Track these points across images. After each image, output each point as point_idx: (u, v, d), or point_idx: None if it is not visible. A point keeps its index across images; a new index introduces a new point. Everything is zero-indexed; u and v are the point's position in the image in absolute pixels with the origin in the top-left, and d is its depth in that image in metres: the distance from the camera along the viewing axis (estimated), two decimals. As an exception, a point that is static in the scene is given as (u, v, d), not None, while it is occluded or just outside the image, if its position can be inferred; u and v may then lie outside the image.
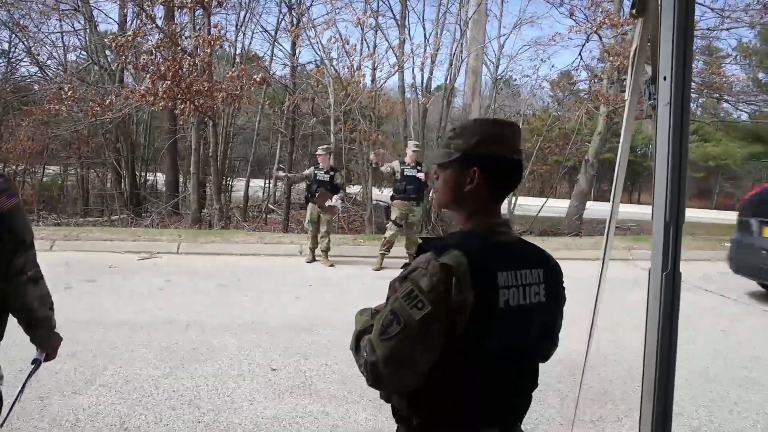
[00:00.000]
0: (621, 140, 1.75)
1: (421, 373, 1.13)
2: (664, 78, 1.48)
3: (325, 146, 7.97)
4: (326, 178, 7.43)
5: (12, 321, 1.69)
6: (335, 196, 7.38)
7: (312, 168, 7.71)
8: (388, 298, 1.21)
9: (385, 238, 7.39)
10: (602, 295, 1.85)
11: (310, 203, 7.55)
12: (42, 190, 16.38)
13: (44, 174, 17.04)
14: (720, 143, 31.96)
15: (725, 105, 21.07)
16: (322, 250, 7.51)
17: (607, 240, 1.82)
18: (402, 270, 1.21)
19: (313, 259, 7.62)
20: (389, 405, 1.30)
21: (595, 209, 17.06)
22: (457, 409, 1.19)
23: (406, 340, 1.10)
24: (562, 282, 1.37)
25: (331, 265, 7.44)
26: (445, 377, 1.15)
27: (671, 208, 1.46)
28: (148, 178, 18.72)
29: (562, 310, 1.40)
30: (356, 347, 1.28)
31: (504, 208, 16.59)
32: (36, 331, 1.73)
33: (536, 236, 12.76)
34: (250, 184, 15.94)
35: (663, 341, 1.56)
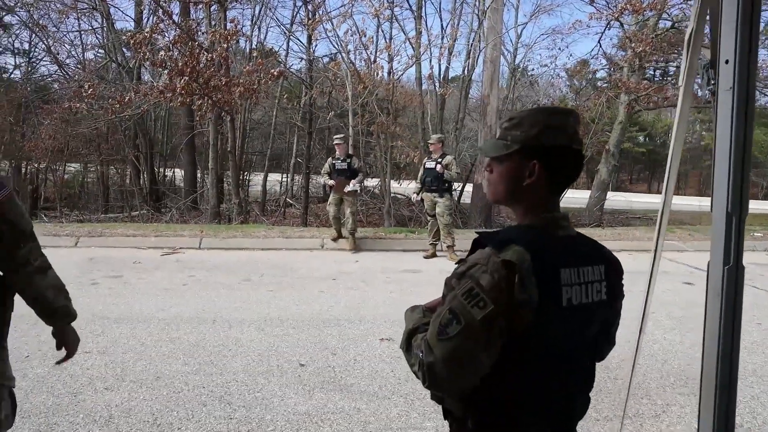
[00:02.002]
0: (674, 128, 1.67)
1: (481, 374, 1.09)
2: (726, 61, 1.40)
3: (341, 135, 8.30)
4: (344, 166, 7.75)
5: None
6: (353, 180, 7.62)
7: (329, 159, 7.97)
8: (444, 296, 1.17)
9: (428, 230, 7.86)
10: (653, 287, 1.78)
11: (332, 191, 7.86)
12: (63, 188, 16.59)
13: (65, 171, 17.25)
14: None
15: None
16: (349, 232, 7.81)
17: (659, 232, 1.75)
18: (457, 266, 1.16)
19: (339, 236, 7.96)
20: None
21: (616, 200, 16.82)
22: (514, 411, 1.15)
23: (467, 340, 1.06)
24: (622, 279, 1.32)
25: (354, 250, 7.75)
26: (502, 378, 1.11)
27: (733, 199, 1.40)
28: (166, 174, 18.88)
29: (620, 308, 1.35)
30: (407, 346, 1.24)
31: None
32: (55, 321, 1.72)
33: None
34: (268, 178, 16.00)
35: (725, 338, 1.49)
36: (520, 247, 1.08)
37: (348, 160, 7.79)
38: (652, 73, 24.65)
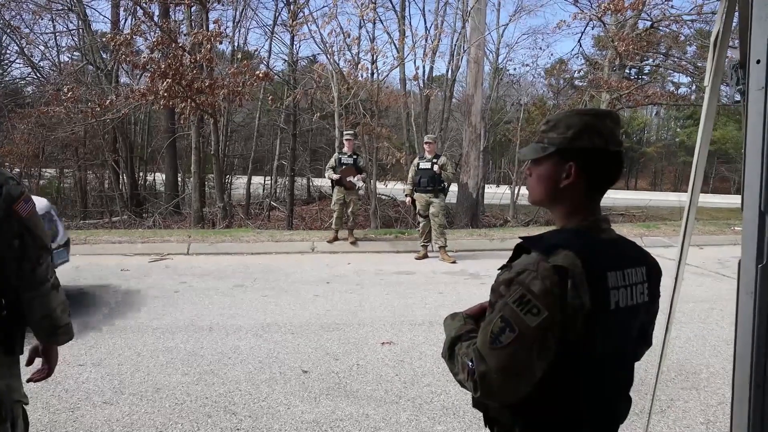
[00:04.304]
0: (701, 128, 1.67)
1: (534, 382, 1.08)
2: (758, 61, 1.39)
3: (351, 132, 8.64)
4: (350, 161, 7.94)
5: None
6: (358, 175, 7.86)
7: (335, 154, 8.18)
8: (491, 304, 1.14)
9: (419, 231, 7.90)
10: (680, 286, 1.79)
11: (336, 185, 7.96)
12: (40, 194, 16.18)
13: (41, 177, 16.84)
14: (718, 127, 31.96)
15: (724, 87, 21.04)
16: (348, 228, 8.17)
17: (685, 229, 1.75)
18: (501, 272, 1.14)
19: (335, 239, 8.17)
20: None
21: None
22: (562, 417, 1.14)
23: (522, 348, 1.05)
24: (660, 280, 1.32)
25: (354, 243, 8.14)
26: (551, 384, 1.10)
27: (767, 197, 1.39)
28: (147, 178, 18.56)
29: (658, 309, 1.35)
30: (450, 355, 1.23)
31: (506, 197, 16.17)
32: (56, 339, 1.63)
33: (542, 225, 12.73)
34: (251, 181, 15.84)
35: (759, 337, 1.48)
36: (569, 251, 1.07)
37: (354, 157, 7.98)
38: (628, 71, 25.06)
